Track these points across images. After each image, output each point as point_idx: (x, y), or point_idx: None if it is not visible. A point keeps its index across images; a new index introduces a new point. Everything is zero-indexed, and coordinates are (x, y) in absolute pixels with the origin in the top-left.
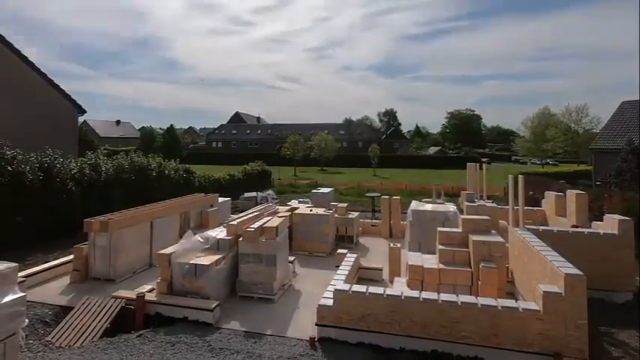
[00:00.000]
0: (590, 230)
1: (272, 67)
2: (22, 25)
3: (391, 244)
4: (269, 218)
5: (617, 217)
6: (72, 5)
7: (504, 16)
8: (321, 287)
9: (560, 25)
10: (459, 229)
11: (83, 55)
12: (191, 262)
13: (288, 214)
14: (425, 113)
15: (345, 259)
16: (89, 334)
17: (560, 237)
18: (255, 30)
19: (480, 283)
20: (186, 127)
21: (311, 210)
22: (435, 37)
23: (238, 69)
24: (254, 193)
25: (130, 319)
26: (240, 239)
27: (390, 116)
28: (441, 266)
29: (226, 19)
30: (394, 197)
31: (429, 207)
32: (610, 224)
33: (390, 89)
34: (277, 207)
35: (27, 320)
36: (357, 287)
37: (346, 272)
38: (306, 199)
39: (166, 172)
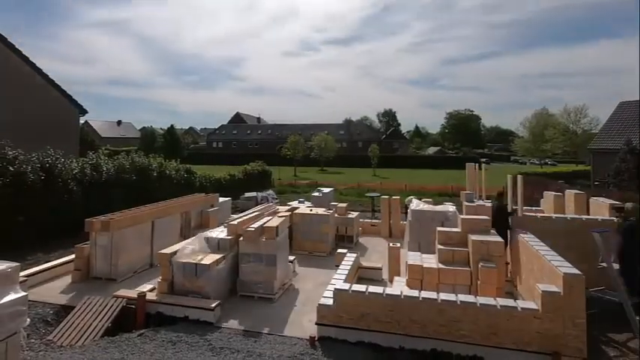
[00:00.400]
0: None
1: (322, 81)
2: (153, 46)
3: (391, 244)
4: (269, 218)
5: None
6: (206, 36)
7: (536, 46)
8: (321, 287)
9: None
10: (459, 229)
11: (180, 72)
12: (192, 261)
13: (288, 213)
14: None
15: (345, 258)
16: (90, 334)
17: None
18: (320, 54)
19: (479, 282)
20: (187, 128)
21: (311, 210)
22: (470, 60)
23: (287, 80)
24: (254, 193)
25: (131, 319)
26: (241, 239)
27: (389, 117)
28: (441, 266)
29: (301, 46)
30: (394, 197)
31: (428, 207)
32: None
33: (419, 97)
34: (277, 207)
35: (28, 319)
36: (356, 287)
37: (346, 272)
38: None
39: (167, 172)
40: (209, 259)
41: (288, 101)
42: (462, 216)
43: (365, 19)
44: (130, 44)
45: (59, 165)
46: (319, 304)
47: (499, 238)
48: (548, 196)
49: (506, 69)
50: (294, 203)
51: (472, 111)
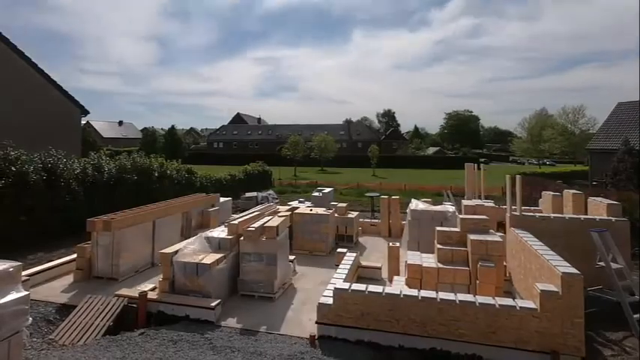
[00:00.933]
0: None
1: (356, 91)
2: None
3: (390, 244)
4: (270, 218)
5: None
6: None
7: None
8: (321, 286)
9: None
10: (457, 229)
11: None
12: (193, 261)
13: (288, 213)
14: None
15: (345, 258)
16: (92, 332)
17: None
18: (372, 74)
19: (478, 281)
20: (188, 128)
21: (311, 210)
22: (502, 80)
23: (329, 90)
24: (255, 193)
25: (132, 318)
26: (241, 238)
27: (389, 117)
28: (440, 265)
29: (365, 69)
30: (393, 197)
31: (427, 207)
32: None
33: (445, 105)
34: (278, 207)
35: (31, 318)
36: (356, 286)
37: (346, 271)
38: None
39: (168, 172)
40: (210, 258)
41: (314, 105)
42: (460, 216)
43: (418, 56)
44: (258, 70)
45: (61, 165)
46: (319, 303)
47: (498, 238)
48: (547, 196)
49: (535, 86)
50: (295, 203)
51: (471, 112)
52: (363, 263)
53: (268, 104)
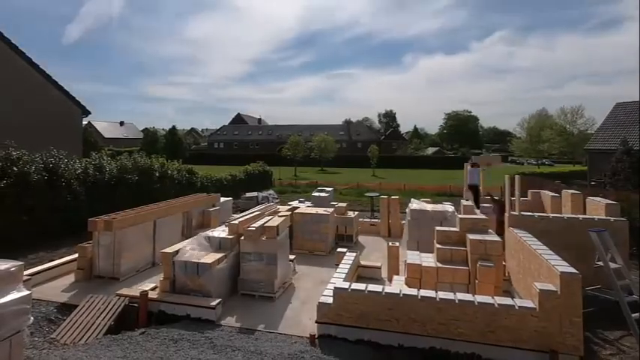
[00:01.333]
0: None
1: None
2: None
3: (390, 243)
4: (270, 217)
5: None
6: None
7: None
8: (321, 285)
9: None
10: (457, 229)
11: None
12: (193, 260)
13: (288, 213)
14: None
15: (345, 257)
16: (93, 332)
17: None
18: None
19: (477, 281)
20: (189, 128)
21: (311, 210)
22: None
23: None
24: (255, 193)
25: (133, 317)
26: (242, 238)
27: (389, 117)
28: (439, 265)
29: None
30: (393, 197)
31: (427, 206)
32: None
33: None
34: (278, 206)
35: (32, 318)
36: (356, 285)
37: (346, 271)
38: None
39: (169, 172)
40: (210, 258)
41: (329, 108)
42: (460, 215)
43: (450, 73)
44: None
45: (62, 165)
46: (319, 303)
47: (497, 238)
48: (546, 195)
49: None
50: (295, 203)
51: (470, 112)
52: (363, 263)
53: (310, 109)
